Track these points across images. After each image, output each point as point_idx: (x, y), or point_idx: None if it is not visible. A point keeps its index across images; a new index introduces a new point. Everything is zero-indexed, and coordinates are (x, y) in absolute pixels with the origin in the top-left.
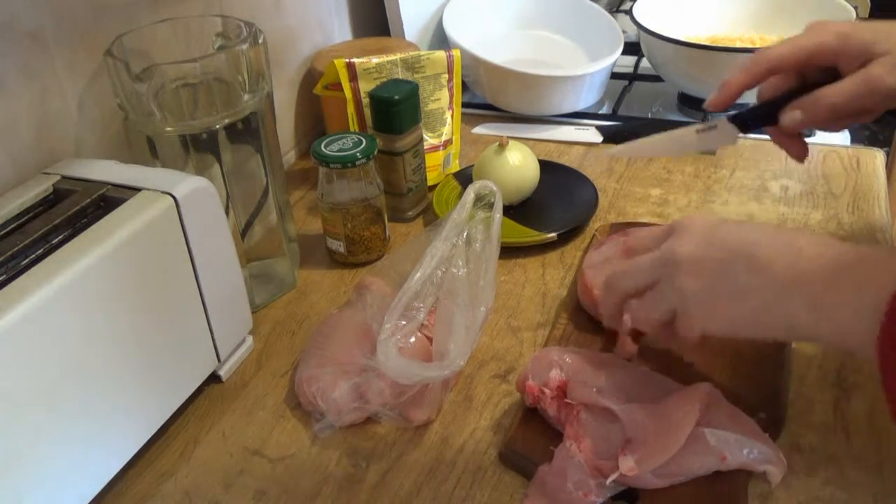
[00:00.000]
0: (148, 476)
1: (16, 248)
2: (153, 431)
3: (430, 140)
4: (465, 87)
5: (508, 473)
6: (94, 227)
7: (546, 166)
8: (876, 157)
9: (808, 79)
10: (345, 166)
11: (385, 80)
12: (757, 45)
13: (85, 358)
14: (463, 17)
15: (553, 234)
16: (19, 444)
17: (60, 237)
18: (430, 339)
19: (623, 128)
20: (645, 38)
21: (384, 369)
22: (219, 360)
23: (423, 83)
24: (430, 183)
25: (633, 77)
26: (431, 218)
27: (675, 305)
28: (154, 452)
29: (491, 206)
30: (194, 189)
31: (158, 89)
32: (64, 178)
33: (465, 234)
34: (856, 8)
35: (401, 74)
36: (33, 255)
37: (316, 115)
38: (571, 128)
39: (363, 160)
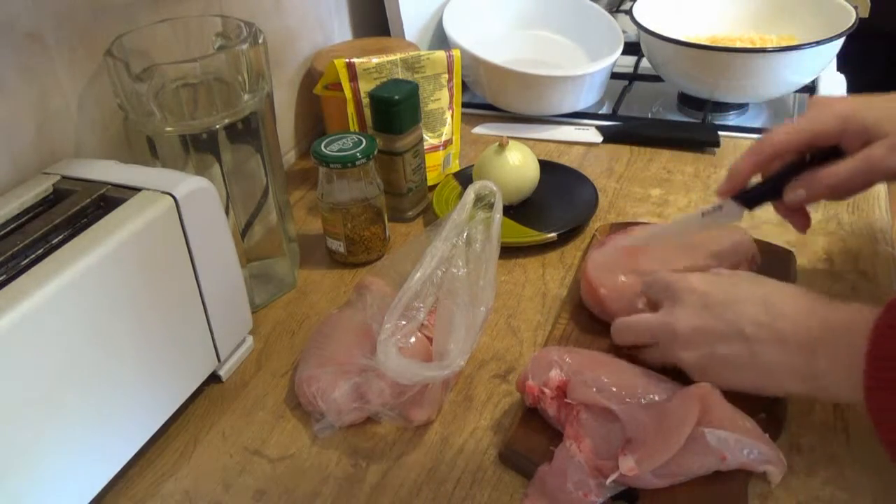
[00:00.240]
0: (148, 476)
1: (16, 248)
2: (153, 431)
3: (430, 140)
4: (465, 87)
5: (508, 473)
6: (94, 227)
7: (546, 166)
8: None
9: (811, 152)
10: (345, 166)
11: (385, 80)
12: (757, 45)
13: (85, 358)
14: (463, 17)
15: (553, 234)
16: (19, 444)
17: (60, 237)
18: (430, 339)
19: (623, 128)
20: (645, 38)
21: (384, 369)
22: (219, 360)
23: (423, 83)
24: (430, 183)
25: (633, 77)
26: (431, 218)
27: (676, 364)
28: (154, 452)
29: (491, 206)
30: (194, 189)
31: (158, 89)
32: (64, 178)
33: (465, 234)
34: (856, 8)
35: (401, 74)
36: (33, 255)
37: (316, 115)
38: (571, 128)
39: (363, 160)
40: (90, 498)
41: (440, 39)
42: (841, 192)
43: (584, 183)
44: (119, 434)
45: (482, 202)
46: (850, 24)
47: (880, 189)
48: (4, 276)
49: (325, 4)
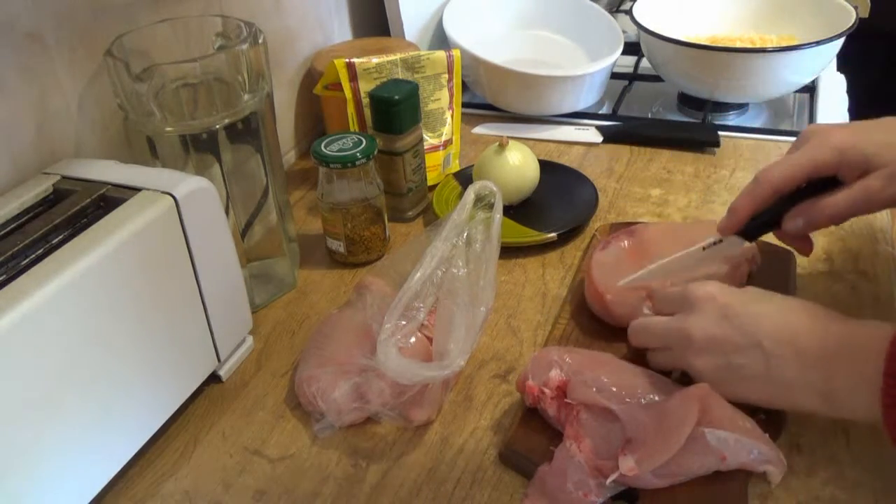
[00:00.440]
0: (148, 476)
1: (16, 248)
2: (153, 431)
3: (430, 140)
4: (465, 87)
5: (508, 473)
6: (94, 227)
7: (546, 166)
8: None
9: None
10: (345, 166)
11: (385, 80)
12: (757, 45)
13: (85, 358)
14: (463, 17)
15: (553, 234)
16: (19, 444)
17: (60, 237)
18: (430, 340)
19: (623, 128)
20: (645, 38)
21: (384, 369)
22: (219, 360)
23: (423, 83)
24: (430, 183)
25: (633, 77)
26: (431, 218)
27: (687, 371)
28: (154, 452)
29: (491, 206)
30: (194, 189)
31: (158, 89)
32: (64, 178)
33: (465, 234)
34: (856, 8)
35: (401, 74)
36: (33, 255)
37: (316, 115)
38: (571, 128)
39: (363, 160)
40: (90, 498)
41: (440, 39)
42: (840, 220)
43: (584, 183)
44: (119, 434)
45: (482, 202)
46: (850, 24)
47: None
48: (4, 276)
49: (325, 4)
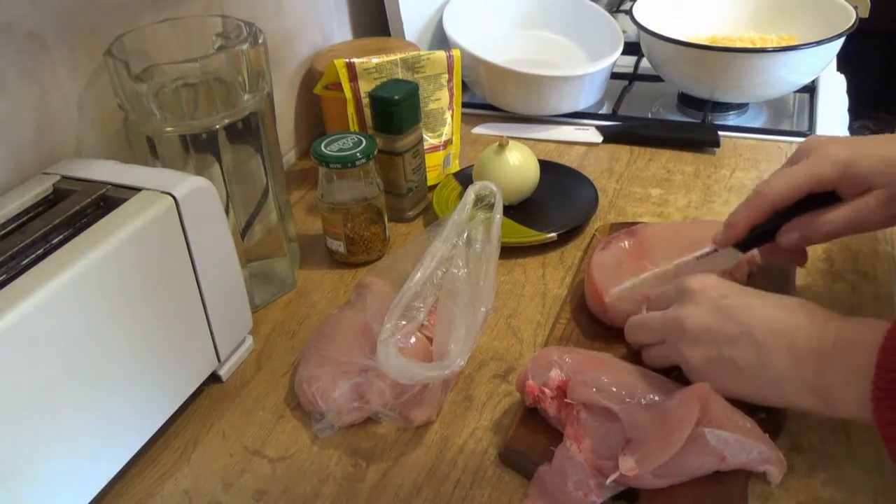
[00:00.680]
0: (148, 476)
1: (16, 248)
2: (153, 431)
3: (430, 140)
4: (465, 87)
5: (508, 473)
6: (94, 227)
7: (546, 166)
8: None
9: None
10: (345, 166)
11: (385, 80)
12: (757, 45)
13: (85, 358)
14: (463, 17)
15: (553, 234)
16: (19, 444)
17: (60, 237)
18: (430, 340)
19: (623, 128)
20: (645, 38)
21: (384, 369)
22: (219, 360)
23: (423, 83)
24: (430, 183)
25: (633, 77)
26: (431, 218)
27: (679, 365)
28: (154, 452)
29: (491, 206)
30: (194, 189)
31: (158, 89)
32: (64, 178)
33: (466, 234)
34: (856, 8)
35: (401, 74)
36: (33, 255)
37: (316, 115)
38: (571, 128)
39: (363, 160)
40: (90, 498)
41: (440, 39)
42: (836, 237)
43: (584, 183)
44: (119, 434)
45: (482, 202)
46: (850, 24)
47: None
48: (4, 275)
49: (325, 5)
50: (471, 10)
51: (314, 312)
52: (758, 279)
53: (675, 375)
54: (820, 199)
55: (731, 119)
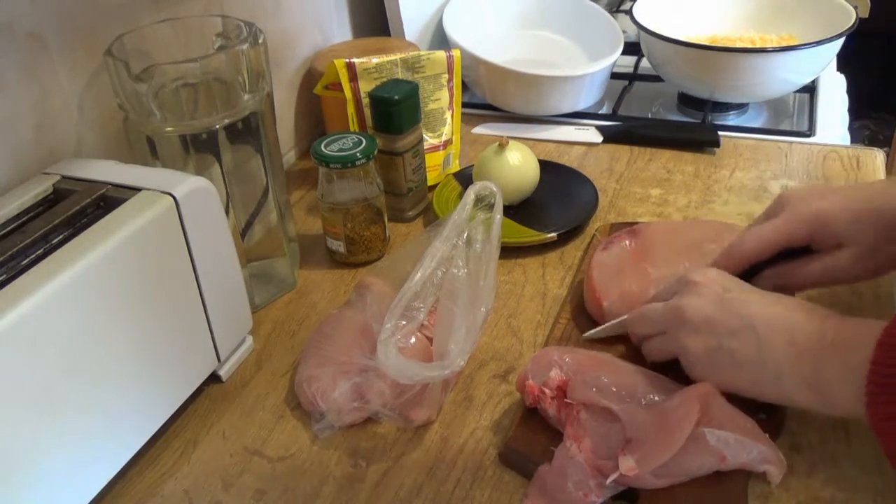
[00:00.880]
0: (148, 476)
1: (16, 248)
2: (153, 431)
3: (430, 140)
4: (465, 87)
5: (508, 473)
6: (94, 227)
7: (546, 166)
8: (876, 157)
9: None
10: (345, 166)
11: (385, 80)
12: (757, 45)
13: (85, 358)
14: (463, 17)
15: (553, 234)
16: (19, 444)
17: (60, 237)
18: (430, 340)
19: (623, 128)
20: (645, 38)
21: (384, 369)
22: (219, 360)
23: (423, 83)
24: (430, 183)
25: (633, 77)
26: (431, 218)
27: (678, 356)
28: (154, 452)
29: (491, 206)
30: (194, 189)
31: (158, 89)
32: (64, 178)
33: (466, 234)
34: (856, 8)
35: (401, 74)
36: (33, 255)
37: (316, 115)
38: (571, 128)
39: (363, 160)
40: (90, 498)
41: (440, 39)
42: (809, 288)
43: (584, 183)
44: (119, 434)
45: (482, 203)
46: (850, 24)
47: None
48: (4, 275)
49: (325, 5)
50: (471, 10)
51: (314, 312)
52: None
53: (675, 372)
54: (795, 250)
55: (731, 119)
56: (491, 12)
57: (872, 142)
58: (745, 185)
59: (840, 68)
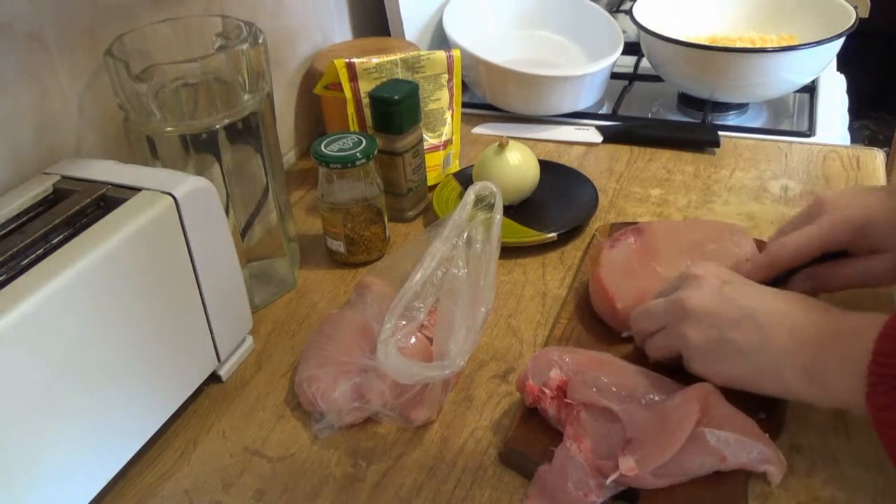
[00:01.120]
0: (148, 476)
1: (16, 248)
2: (153, 431)
3: (430, 140)
4: (465, 87)
5: (508, 473)
6: (94, 227)
7: (546, 166)
8: (876, 157)
9: None
10: (345, 166)
11: (385, 80)
12: (757, 45)
13: (85, 358)
14: (463, 17)
15: (553, 234)
16: (19, 444)
17: (60, 237)
18: (430, 340)
19: (623, 128)
20: (645, 38)
21: (384, 369)
22: (219, 360)
23: (423, 83)
24: (430, 183)
25: (633, 77)
26: (431, 218)
27: (679, 349)
28: (154, 452)
29: (491, 207)
30: (194, 189)
31: (158, 89)
32: (64, 178)
33: (466, 234)
34: (856, 8)
35: (401, 74)
36: (33, 255)
37: (316, 115)
38: (571, 128)
39: (363, 160)
40: (90, 498)
41: (440, 39)
42: (845, 289)
43: (584, 183)
44: (119, 434)
45: (482, 203)
46: (850, 24)
47: None
48: (4, 276)
49: (325, 4)
50: (471, 10)
51: (314, 312)
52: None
53: (678, 375)
54: (830, 254)
55: (731, 119)
56: (491, 12)
57: (872, 142)
58: (745, 185)
59: (840, 68)
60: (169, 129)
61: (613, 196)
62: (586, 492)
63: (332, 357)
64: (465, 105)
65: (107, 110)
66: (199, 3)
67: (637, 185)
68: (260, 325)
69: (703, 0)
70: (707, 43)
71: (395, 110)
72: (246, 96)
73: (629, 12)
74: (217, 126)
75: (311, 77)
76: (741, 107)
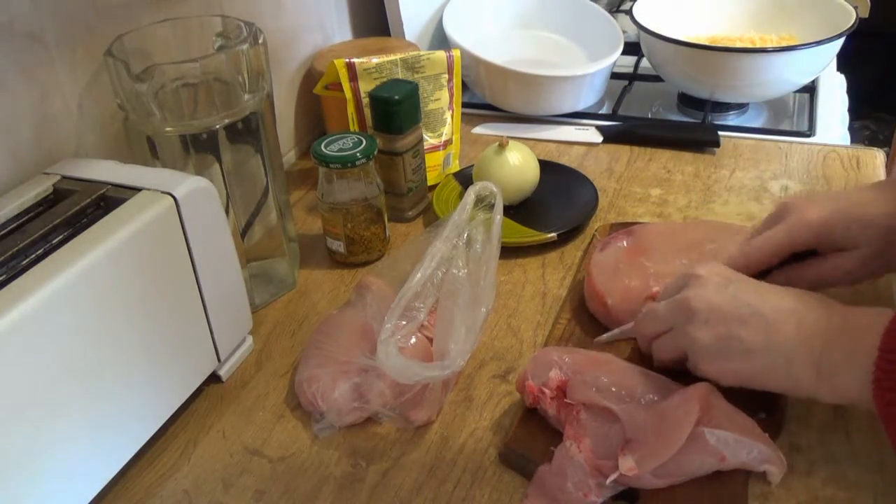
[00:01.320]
0: (148, 476)
1: (16, 248)
2: (153, 431)
3: (430, 140)
4: (465, 87)
5: (508, 473)
6: (94, 227)
7: (546, 166)
8: (876, 157)
9: None
10: (345, 166)
11: (385, 80)
12: (757, 45)
13: (85, 358)
14: (463, 17)
15: (553, 234)
16: (19, 444)
17: (60, 237)
18: (430, 340)
19: (623, 128)
20: (645, 38)
21: (385, 369)
22: (219, 360)
23: (423, 83)
24: (430, 183)
25: (633, 77)
26: (431, 218)
27: (686, 350)
28: (154, 452)
29: (491, 207)
30: (194, 189)
31: (158, 89)
32: (64, 178)
33: (466, 234)
34: (856, 8)
35: (401, 74)
36: (33, 255)
37: (316, 115)
38: (571, 128)
39: (363, 160)
40: (90, 498)
41: (440, 39)
42: (818, 288)
43: (584, 183)
44: (119, 434)
45: (483, 203)
46: (850, 24)
47: None
48: (4, 276)
49: (325, 4)
50: (471, 10)
51: (314, 312)
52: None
53: (683, 378)
54: (800, 254)
55: (731, 119)
56: (491, 12)
57: (872, 142)
58: (745, 185)
59: (840, 68)
60: (169, 129)
61: (613, 196)
62: (586, 492)
63: (332, 357)
64: (465, 105)
65: (107, 110)
66: (199, 3)
67: (637, 185)
68: (260, 325)
69: (703, 0)
70: (707, 43)
71: (395, 110)
72: (246, 96)
73: (629, 12)
74: (217, 126)
75: (311, 77)
76: (741, 107)
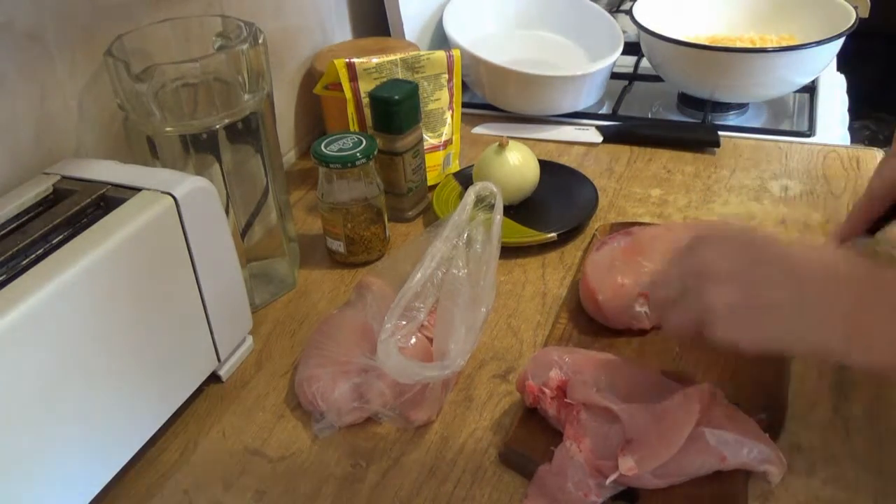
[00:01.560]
0: (148, 476)
1: (16, 248)
2: (153, 431)
3: (430, 140)
4: (465, 87)
5: (508, 473)
6: (94, 227)
7: (546, 166)
8: (876, 157)
9: None
10: (345, 166)
11: (385, 80)
12: (757, 45)
13: (85, 358)
14: (463, 17)
15: (553, 234)
16: (19, 443)
17: (60, 237)
18: (430, 340)
19: (623, 128)
20: (645, 38)
21: (385, 369)
22: (219, 360)
23: (423, 83)
24: (430, 183)
25: (633, 77)
26: (431, 218)
27: (701, 317)
28: (154, 452)
29: (491, 207)
30: (194, 189)
31: (158, 89)
32: (64, 178)
33: (466, 235)
34: (856, 8)
35: (401, 74)
36: (33, 255)
37: (316, 115)
38: (571, 128)
39: (363, 160)
40: (90, 498)
41: (440, 39)
42: None
43: (584, 183)
44: (119, 434)
45: (483, 203)
46: (850, 24)
47: None
48: (4, 276)
49: (325, 4)
50: (471, 10)
51: (314, 312)
52: None
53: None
54: None
55: (731, 119)
56: (491, 12)
57: (872, 142)
58: (745, 185)
59: (840, 68)
60: (169, 129)
61: (613, 196)
62: (586, 492)
63: (332, 357)
64: (465, 105)
65: (107, 110)
66: (199, 3)
67: (637, 185)
68: (260, 325)
69: (703, 0)
70: (707, 43)
71: (395, 110)
72: (246, 96)
73: (629, 12)
74: (217, 126)
75: (311, 77)
76: (741, 107)
